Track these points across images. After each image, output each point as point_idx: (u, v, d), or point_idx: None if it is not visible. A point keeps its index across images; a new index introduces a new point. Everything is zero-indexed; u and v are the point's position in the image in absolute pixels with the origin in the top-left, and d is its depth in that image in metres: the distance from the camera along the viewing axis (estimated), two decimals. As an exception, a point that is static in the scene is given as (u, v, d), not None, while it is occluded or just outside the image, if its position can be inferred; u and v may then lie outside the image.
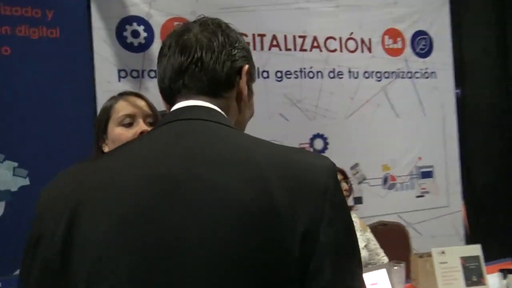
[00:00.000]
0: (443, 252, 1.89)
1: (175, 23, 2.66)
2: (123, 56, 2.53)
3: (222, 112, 0.79)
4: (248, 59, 0.85)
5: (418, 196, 3.28)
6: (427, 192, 3.30)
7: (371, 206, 3.11)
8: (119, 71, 2.52)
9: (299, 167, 0.69)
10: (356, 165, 3.11)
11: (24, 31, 1.69)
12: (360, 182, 3.12)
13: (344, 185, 2.30)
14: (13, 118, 1.73)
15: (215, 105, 0.78)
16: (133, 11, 2.58)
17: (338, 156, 2.95)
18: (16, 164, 1.69)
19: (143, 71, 2.58)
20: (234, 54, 0.81)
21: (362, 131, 3.10)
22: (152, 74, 2.60)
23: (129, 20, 2.57)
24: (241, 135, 0.75)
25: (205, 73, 0.78)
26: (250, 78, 0.85)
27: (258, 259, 0.63)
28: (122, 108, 1.29)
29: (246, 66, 0.82)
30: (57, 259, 0.65)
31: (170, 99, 0.82)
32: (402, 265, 2.19)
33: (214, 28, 0.81)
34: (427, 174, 3.29)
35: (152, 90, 2.59)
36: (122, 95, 1.35)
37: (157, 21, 2.63)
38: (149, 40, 2.61)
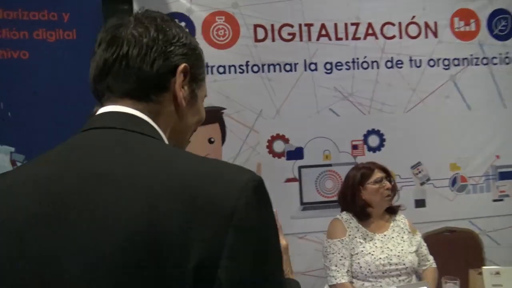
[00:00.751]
0: (497, 273, 1.59)
1: (217, 17, 2.60)
2: (164, 54, 2.53)
3: (147, 119, 0.69)
4: (190, 57, 0.74)
5: (495, 200, 2.87)
6: (506, 196, 2.87)
7: (437, 210, 2.79)
8: (161, 68, 2.52)
9: (203, 185, 0.57)
10: (418, 164, 2.80)
11: (41, 35, 1.75)
12: (422, 183, 2.81)
13: (386, 184, 2.07)
14: (32, 120, 1.80)
15: (141, 109, 0.69)
16: (174, 8, 2.57)
17: (397, 154, 2.72)
18: (36, 164, 1.74)
19: (184, 68, 2.56)
20: (169, 51, 0.71)
21: (426, 126, 2.78)
22: (194, 70, 2.57)
23: (170, 17, 2.55)
24: (154, 148, 0.65)
25: (131, 73, 0.69)
26: (193, 79, 0.74)
27: None
28: None
29: (182, 65, 0.71)
30: None
31: (100, 103, 0.75)
32: (457, 282, 1.91)
33: (147, 22, 0.72)
34: (506, 175, 2.86)
35: (192, 87, 2.57)
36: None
37: (198, 16, 2.59)
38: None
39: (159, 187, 0.57)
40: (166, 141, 0.71)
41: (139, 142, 0.66)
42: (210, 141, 2.61)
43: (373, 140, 2.76)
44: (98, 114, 0.71)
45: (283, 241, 0.80)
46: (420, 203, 2.80)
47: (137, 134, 0.66)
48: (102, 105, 0.72)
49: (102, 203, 0.58)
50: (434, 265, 2.14)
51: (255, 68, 2.63)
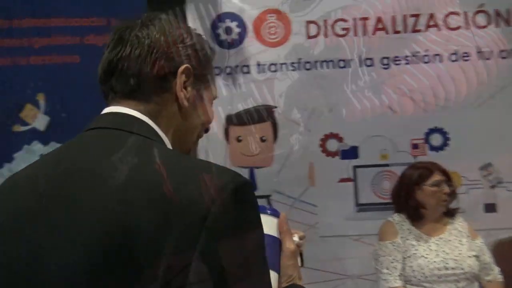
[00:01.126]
0: None
1: (268, 15, 2.59)
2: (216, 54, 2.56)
3: (147, 120, 0.70)
4: (195, 58, 0.74)
5: None
6: None
7: (510, 215, 2.53)
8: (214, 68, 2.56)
9: (181, 187, 0.57)
10: (489, 165, 2.56)
11: (91, 40, 1.85)
12: (493, 186, 2.56)
13: (444, 188, 1.92)
14: (85, 120, 1.89)
15: (141, 110, 0.70)
16: (226, 8, 2.59)
17: (463, 154, 2.53)
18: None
19: (236, 67, 2.58)
20: (171, 52, 0.72)
21: (498, 124, 2.53)
22: (245, 69, 2.58)
23: (222, 17, 2.59)
24: (144, 148, 0.66)
25: (132, 73, 0.71)
26: (198, 80, 0.74)
27: None
28: None
29: (183, 66, 0.71)
30: None
31: (106, 103, 0.78)
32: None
33: (151, 24, 0.73)
34: None
35: (244, 85, 2.58)
36: None
37: (250, 15, 2.60)
38: (242, 35, 2.59)
39: (138, 187, 0.58)
40: (168, 142, 0.71)
41: (131, 142, 0.66)
42: (262, 140, 2.60)
43: (436, 139, 2.58)
44: (100, 115, 0.73)
45: (291, 246, 0.77)
46: (490, 208, 2.56)
47: (132, 135, 0.67)
48: (107, 106, 0.74)
49: (81, 202, 0.59)
50: (500, 278, 1.94)
51: (308, 66, 2.58)
